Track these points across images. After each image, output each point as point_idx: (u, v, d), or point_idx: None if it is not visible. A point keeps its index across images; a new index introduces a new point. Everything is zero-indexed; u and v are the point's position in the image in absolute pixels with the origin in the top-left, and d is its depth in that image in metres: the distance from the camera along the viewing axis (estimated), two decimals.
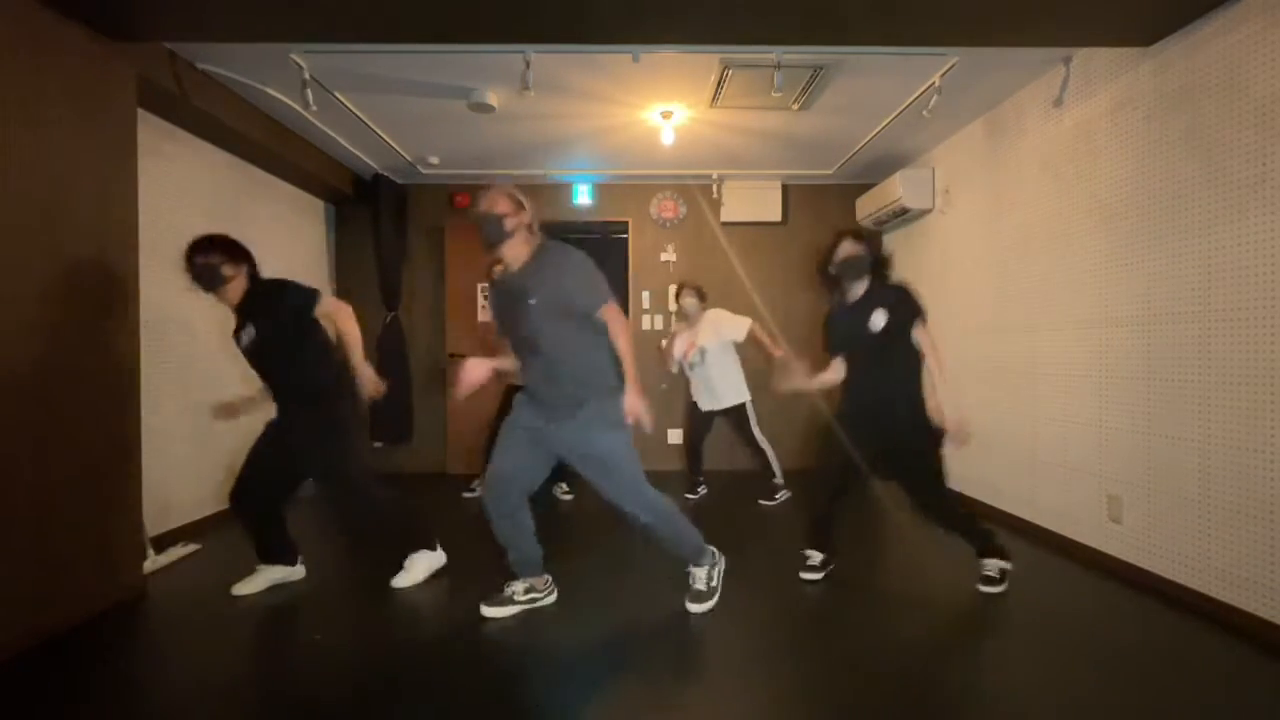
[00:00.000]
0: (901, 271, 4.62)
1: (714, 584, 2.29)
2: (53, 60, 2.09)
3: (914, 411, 2.29)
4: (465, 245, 4.77)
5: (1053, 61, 2.88)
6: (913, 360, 2.29)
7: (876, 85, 3.17)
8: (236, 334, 2.33)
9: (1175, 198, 2.33)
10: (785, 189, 4.90)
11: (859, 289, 2.39)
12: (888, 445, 2.33)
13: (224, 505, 3.47)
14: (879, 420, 2.31)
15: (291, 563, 2.55)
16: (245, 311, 2.32)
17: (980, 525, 2.44)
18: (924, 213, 4.21)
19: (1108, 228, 2.65)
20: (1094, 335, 2.72)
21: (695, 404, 3.89)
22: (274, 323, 2.28)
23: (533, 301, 1.97)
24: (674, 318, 4.53)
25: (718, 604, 2.25)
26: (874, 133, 3.83)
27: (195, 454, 3.29)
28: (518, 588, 2.25)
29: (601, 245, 6.47)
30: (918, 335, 2.27)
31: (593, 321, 2.02)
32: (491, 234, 2.01)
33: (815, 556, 2.55)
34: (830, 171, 4.66)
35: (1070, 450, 2.86)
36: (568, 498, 3.99)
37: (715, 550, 2.32)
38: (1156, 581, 2.39)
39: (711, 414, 3.85)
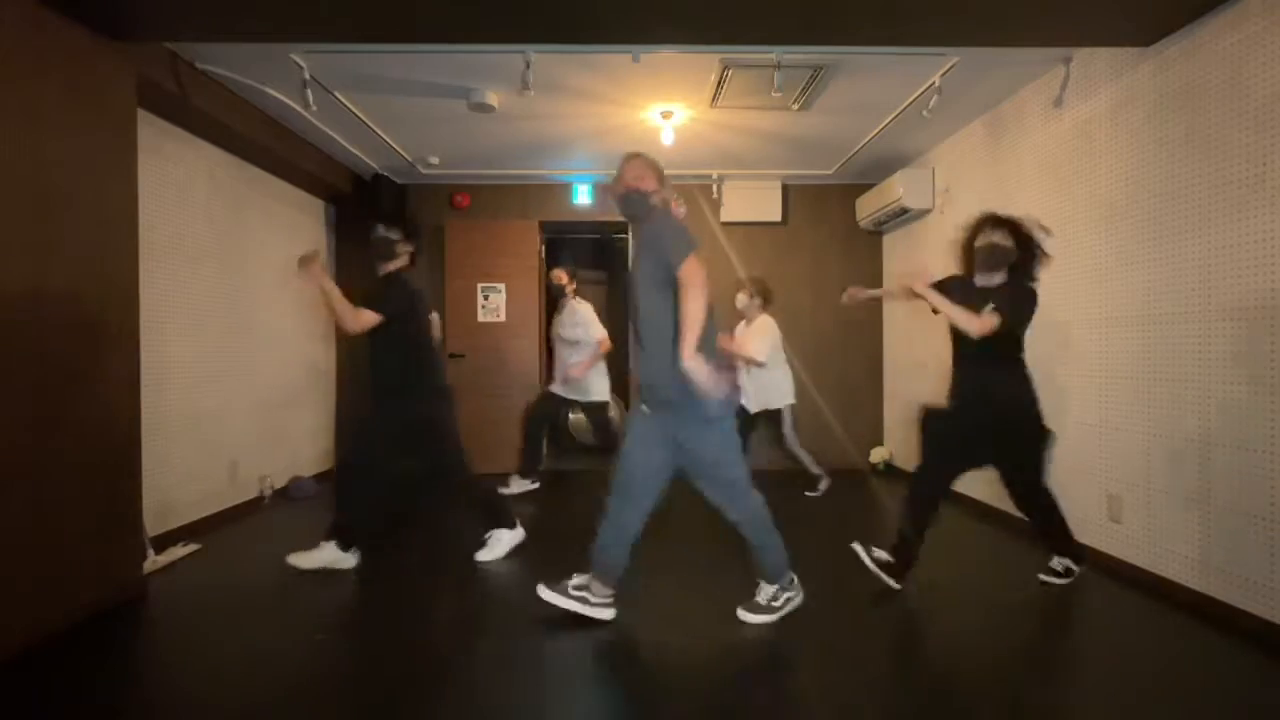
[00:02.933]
0: (902, 271, 4.63)
1: (777, 604, 2.12)
2: (53, 60, 2.09)
3: (1025, 401, 2.32)
4: (465, 245, 4.76)
5: (1053, 61, 2.88)
6: (1012, 364, 2.31)
7: (876, 85, 3.17)
8: None
9: (1175, 197, 2.33)
10: (785, 189, 4.90)
11: (994, 278, 2.33)
12: (997, 433, 2.35)
13: (224, 505, 3.49)
14: (987, 409, 2.31)
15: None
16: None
17: (1067, 529, 2.45)
18: (924, 213, 4.21)
19: (1108, 227, 2.65)
20: (1094, 335, 2.72)
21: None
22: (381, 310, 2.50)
23: (638, 274, 1.96)
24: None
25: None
26: (874, 133, 3.83)
27: (195, 454, 3.28)
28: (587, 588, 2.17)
29: (601, 245, 6.51)
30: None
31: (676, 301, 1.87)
32: (634, 209, 2.00)
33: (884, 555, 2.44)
34: (830, 171, 4.66)
35: (1070, 450, 2.86)
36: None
37: (794, 577, 2.17)
38: (1156, 581, 2.39)
39: (757, 416, 3.87)
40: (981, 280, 2.35)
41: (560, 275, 4.18)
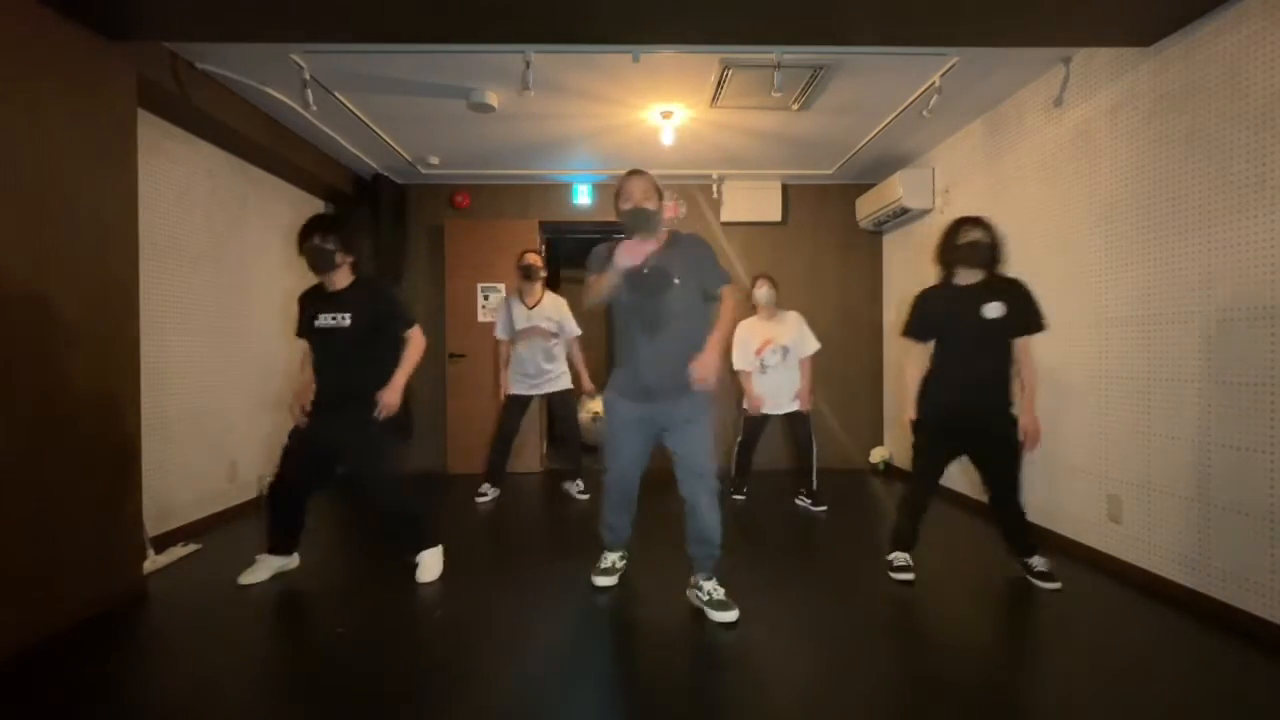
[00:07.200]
0: (902, 272, 4.63)
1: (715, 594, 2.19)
2: (53, 60, 2.09)
3: (1011, 407, 2.39)
4: (465, 245, 4.76)
5: (1053, 61, 2.88)
6: (1010, 358, 2.37)
7: (876, 85, 3.17)
8: (315, 317, 2.44)
9: (1175, 198, 2.33)
10: (785, 189, 4.90)
11: (973, 275, 2.41)
12: (986, 436, 2.41)
13: (224, 505, 3.49)
14: (981, 408, 2.38)
15: (289, 553, 2.64)
16: (341, 299, 2.45)
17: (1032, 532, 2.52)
18: (924, 213, 4.22)
19: (1108, 227, 2.65)
20: (1094, 335, 2.72)
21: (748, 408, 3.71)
22: (373, 318, 2.44)
23: (677, 282, 2.15)
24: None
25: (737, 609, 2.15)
26: (874, 133, 3.83)
27: (195, 454, 3.29)
28: (614, 558, 2.51)
29: None
30: (1020, 343, 2.36)
31: (710, 304, 2.24)
32: (643, 226, 2.16)
33: (903, 557, 2.57)
34: (830, 171, 4.66)
35: (1070, 450, 2.86)
36: (583, 497, 3.97)
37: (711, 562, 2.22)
38: (1156, 581, 2.39)
39: (769, 417, 3.70)
40: (964, 279, 2.42)
41: (534, 258, 3.93)
